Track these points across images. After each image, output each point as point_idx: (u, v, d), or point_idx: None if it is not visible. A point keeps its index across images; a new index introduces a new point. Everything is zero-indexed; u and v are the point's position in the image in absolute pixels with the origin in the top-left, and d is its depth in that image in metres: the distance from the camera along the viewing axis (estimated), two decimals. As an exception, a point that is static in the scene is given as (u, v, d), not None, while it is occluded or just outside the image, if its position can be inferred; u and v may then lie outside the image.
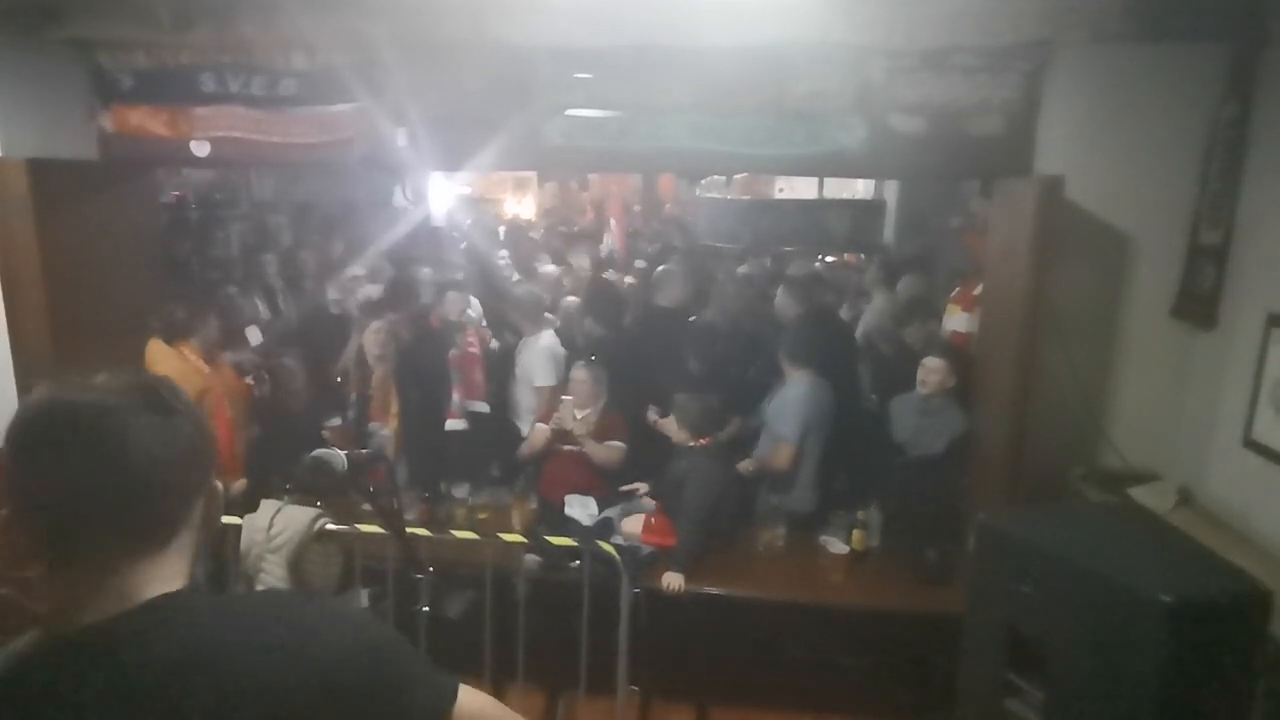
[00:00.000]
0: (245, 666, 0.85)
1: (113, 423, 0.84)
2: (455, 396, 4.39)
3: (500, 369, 4.63)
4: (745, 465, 3.81)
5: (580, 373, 3.91)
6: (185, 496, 0.91)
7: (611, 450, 3.85)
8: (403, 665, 0.97)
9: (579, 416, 3.91)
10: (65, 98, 3.47)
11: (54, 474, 0.84)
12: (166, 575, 0.89)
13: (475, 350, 4.58)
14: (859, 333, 5.08)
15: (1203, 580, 2.08)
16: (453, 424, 4.34)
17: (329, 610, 1.00)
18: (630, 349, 4.49)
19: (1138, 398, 3.14)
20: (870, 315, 5.19)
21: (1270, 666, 2.12)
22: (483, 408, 4.50)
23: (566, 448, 3.91)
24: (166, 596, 0.88)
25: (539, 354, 4.37)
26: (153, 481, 0.86)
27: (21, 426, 0.85)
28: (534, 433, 4.03)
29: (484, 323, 5.11)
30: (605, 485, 3.89)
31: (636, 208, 10.93)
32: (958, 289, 4.74)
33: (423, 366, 4.28)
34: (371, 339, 4.12)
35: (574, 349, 4.50)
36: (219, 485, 0.97)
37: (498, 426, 4.54)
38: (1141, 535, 2.38)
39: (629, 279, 5.95)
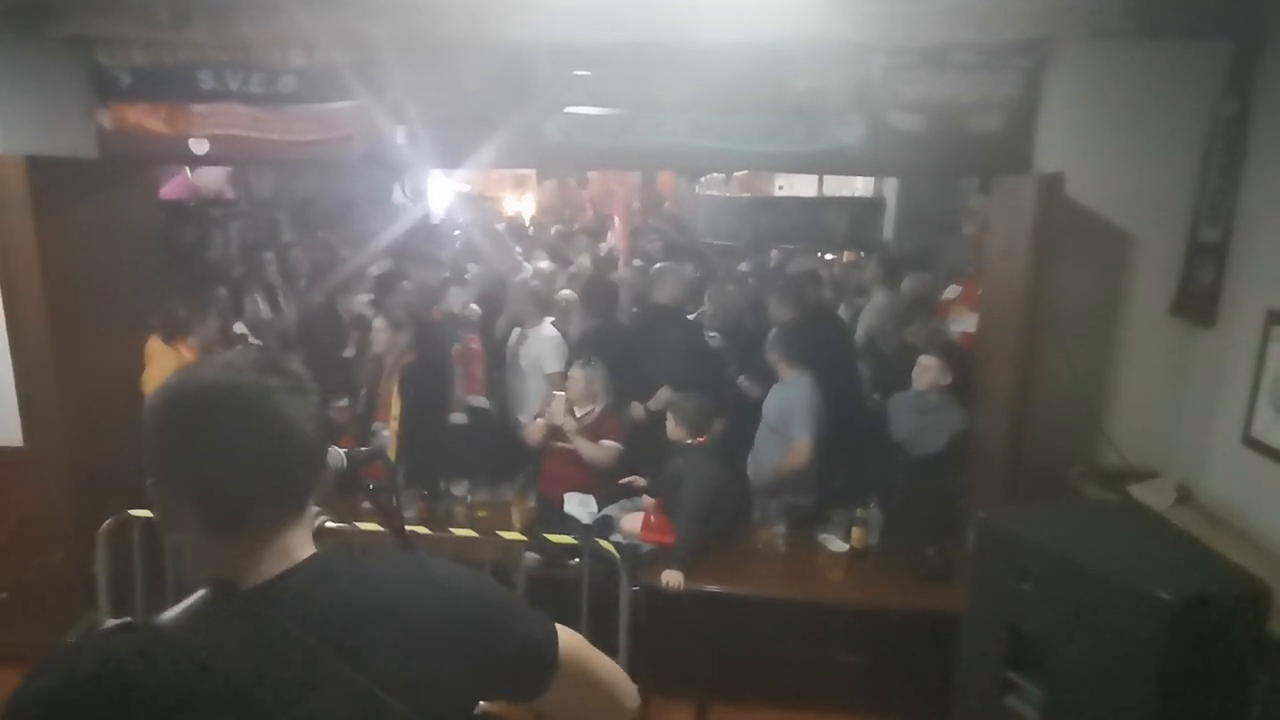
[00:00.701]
0: (411, 605, 0.98)
1: (272, 399, 0.94)
2: (457, 391, 4.42)
3: (498, 363, 4.65)
4: (761, 479, 3.80)
5: (577, 372, 3.92)
6: (321, 467, 1.03)
7: (604, 450, 3.84)
8: (520, 604, 1.12)
9: (578, 414, 3.91)
10: (64, 95, 3.46)
11: (226, 447, 0.92)
12: (308, 538, 1.00)
13: (476, 345, 4.60)
14: (859, 331, 5.08)
15: (1202, 578, 2.08)
16: (455, 418, 4.37)
17: (444, 562, 1.10)
18: (626, 345, 4.50)
19: (1137, 395, 3.14)
20: (870, 313, 5.19)
21: (1269, 663, 2.12)
22: (483, 402, 4.53)
23: (561, 445, 3.92)
24: (320, 555, 0.99)
25: (546, 342, 4.43)
26: (303, 453, 0.96)
27: (183, 404, 0.94)
28: (531, 427, 4.04)
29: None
30: (603, 483, 3.89)
31: (636, 205, 10.92)
32: (961, 289, 4.74)
33: (425, 361, 4.29)
34: (377, 338, 4.15)
35: (570, 344, 4.51)
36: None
37: (498, 421, 4.56)
38: (1141, 533, 2.39)
39: (617, 273, 5.95)
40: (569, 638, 1.13)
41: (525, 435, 4.09)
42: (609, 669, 1.19)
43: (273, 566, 0.95)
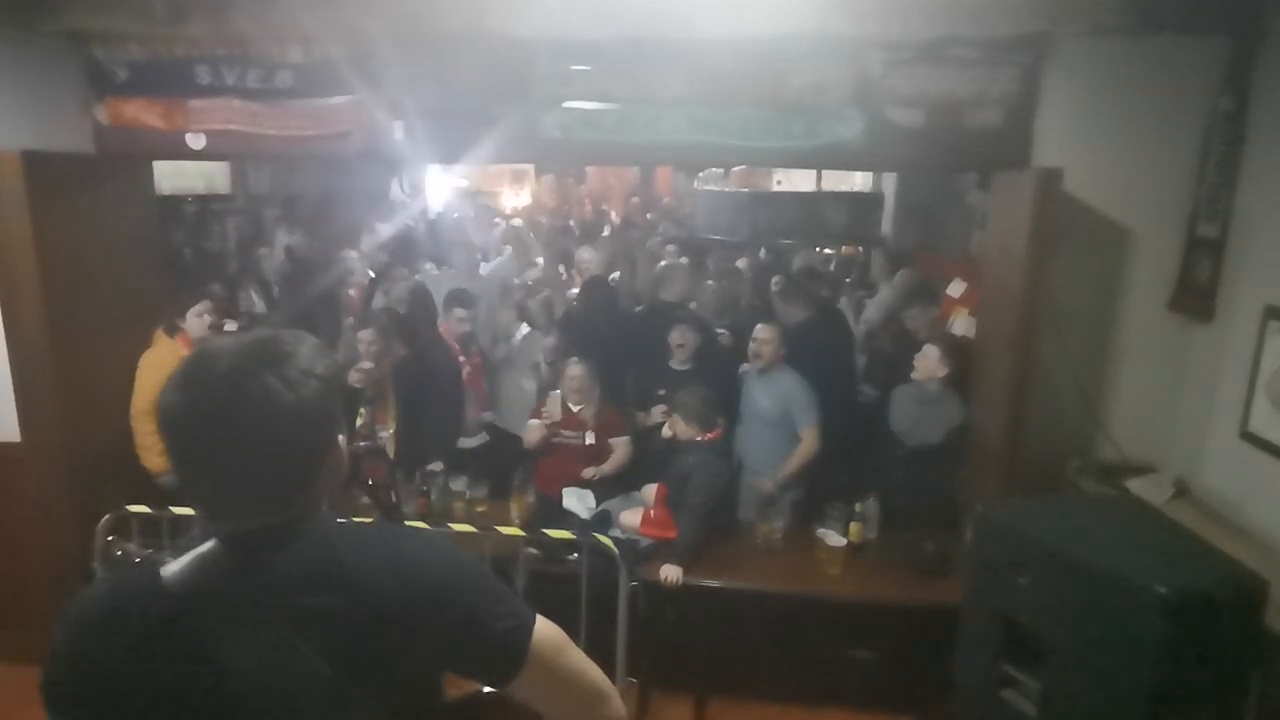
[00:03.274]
0: (365, 579, 1.01)
1: (260, 406, 1.00)
2: (469, 415, 4.41)
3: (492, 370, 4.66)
4: (767, 484, 3.80)
5: (576, 369, 3.92)
6: (322, 448, 1.07)
7: (621, 451, 3.91)
8: (498, 590, 1.13)
9: (575, 410, 3.91)
10: (60, 90, 3.45)
11: (213, 462, 1.02)
12: (307, 500, 1.06)
13: (478, 359, 4.59)
14: (863, 324, 5.08)
15: (1198, 571, 2.09)
16: (468, 442, 4.37)
17: (426, 539, 1.14)
18: (630, 343, 4.50)
19: (1134, 390, 3.15)
20: (875, 307, 5.19)
21: (1264, 656, 2.13)
22: (491, 416, 4.54)
23: (557, 440, 3.93)
24: (306, 517, 1.05)
25: (531, 339, 4.55)
26: (294, 451, 1.03)
27: (169, 417, 1.02)
28: (530, 429, 4.03)
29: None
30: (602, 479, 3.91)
31: (635, 199, 10.91)
32: (964, 286, 4.74)
33: (436, 379, 4.24)
34: (363, 349, 4.08)
35: (568, 341, 4.51)
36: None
37: (500, 429, 4.57)
38: (1137, 527, 2.39)
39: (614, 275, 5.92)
40: (549, 634, 1.15)
41: (525, 437, 4.05)
42: (589, 674, 1.19)
43: (265, 522, 1.03)
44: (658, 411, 4.00)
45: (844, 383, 4.42)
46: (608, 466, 3.89)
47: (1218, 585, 2.05)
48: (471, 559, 1.13)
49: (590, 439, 3.91)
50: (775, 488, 3.79)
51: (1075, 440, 3.18)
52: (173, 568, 1.03)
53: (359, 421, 4.06)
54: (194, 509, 1.07)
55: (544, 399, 4.04)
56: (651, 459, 3.90)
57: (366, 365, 4.00)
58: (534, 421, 4.01)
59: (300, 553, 1.02)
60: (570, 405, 3.94)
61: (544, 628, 1.14)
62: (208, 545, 1.05)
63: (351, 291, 5.45)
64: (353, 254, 5.75)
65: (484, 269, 5.42)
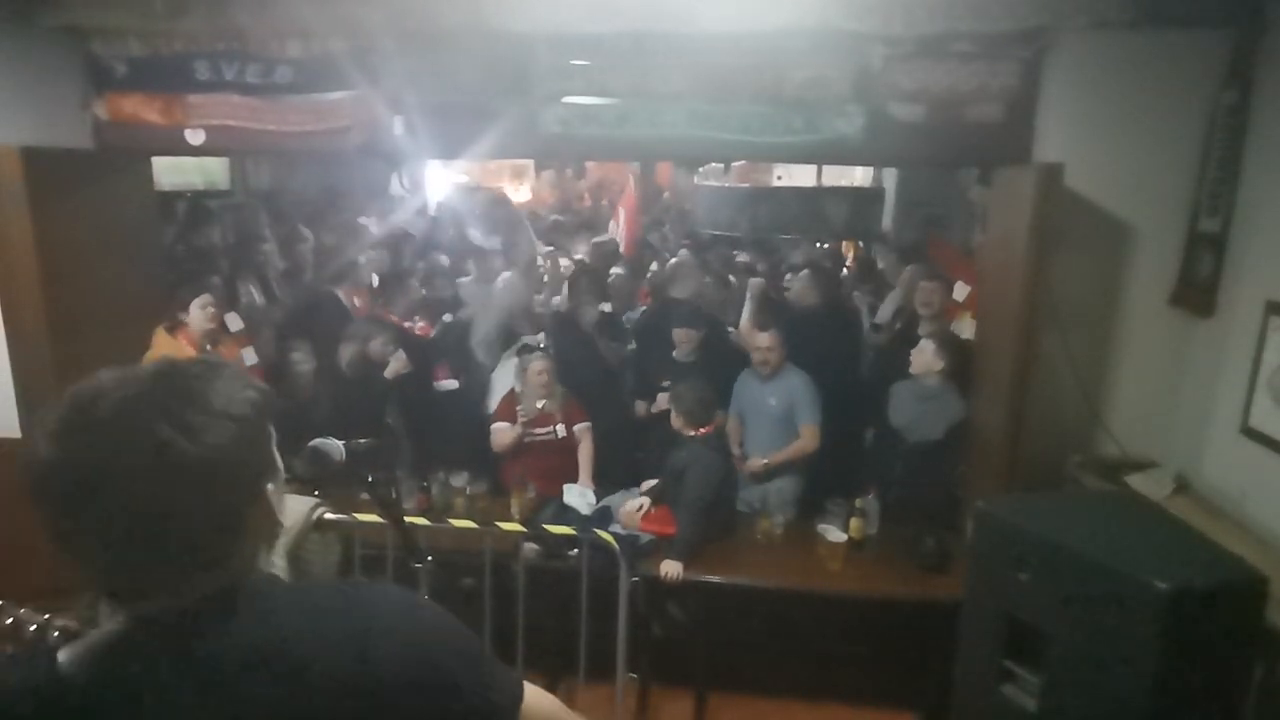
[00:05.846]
0: (319, 660, 0.86)
1: (156, 463, 0.82)
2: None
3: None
4: (757, 463, 3.82)
5: (540, 363, 3.88)
6: (245, 499, 0.90)
7: (587, 439, 3.92)
8: (487, 664, 0.98)
9: (540, 406, 3.89)
10: (59, 85, 3.44)
11: (106, 532, 0.83)
12: (236, 564, 0.89)
13: (427, 329, 4.57)
14: (879, 320, 5.07)
15: (1199, 567, 2.09)
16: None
17: (396, 602, 0.97)
18: (645, 338, 4.50)
19: (1135, 386, 3.15)
20: (888, 304, 5.16)
21: (1265, 652, 2.13)
22: (452, 385, 4.52)
23: (529, 440, 3.91)
24: (241, 585, 0.88)
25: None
26: (202, 515, 0.85)
27: (49, 479, 0.88)
28: (498, 433, 3.92)
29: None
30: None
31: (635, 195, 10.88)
32: (968, 290, 4.71)
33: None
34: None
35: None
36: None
37: (472, 402, 4.55)
38: (1138, 523, 2.39)
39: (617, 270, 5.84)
40: (540, 705, 1.03)
41: (496, 442, 3.94)
42: None
43: (181, 600, 0.85)
44: (662, 399, 4.01)
45: (851, 377, 4.42)
46: (584, 467, 3.90)
47: (1218, 581, 2.05)
48: (453, 621, 0.99)
49: (562, 431, 3.92)
50: (763, 469, 3.80)
51: (1076, 436, 3.18)
52: (72, 653, 0.84)
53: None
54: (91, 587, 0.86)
55: (511, 401, 3.95)
56: (651, 455, 3.90)
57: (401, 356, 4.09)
58: (502, 425, 3.91)
59: (230, 635, 0.85)
60: (536, 403, 3.90)
61: (535, 700, 1.02)
62: (114, 627, 0.85)
63: (356, 301, 5.32)
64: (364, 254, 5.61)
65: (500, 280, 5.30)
